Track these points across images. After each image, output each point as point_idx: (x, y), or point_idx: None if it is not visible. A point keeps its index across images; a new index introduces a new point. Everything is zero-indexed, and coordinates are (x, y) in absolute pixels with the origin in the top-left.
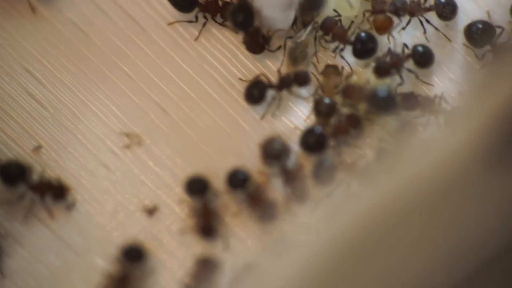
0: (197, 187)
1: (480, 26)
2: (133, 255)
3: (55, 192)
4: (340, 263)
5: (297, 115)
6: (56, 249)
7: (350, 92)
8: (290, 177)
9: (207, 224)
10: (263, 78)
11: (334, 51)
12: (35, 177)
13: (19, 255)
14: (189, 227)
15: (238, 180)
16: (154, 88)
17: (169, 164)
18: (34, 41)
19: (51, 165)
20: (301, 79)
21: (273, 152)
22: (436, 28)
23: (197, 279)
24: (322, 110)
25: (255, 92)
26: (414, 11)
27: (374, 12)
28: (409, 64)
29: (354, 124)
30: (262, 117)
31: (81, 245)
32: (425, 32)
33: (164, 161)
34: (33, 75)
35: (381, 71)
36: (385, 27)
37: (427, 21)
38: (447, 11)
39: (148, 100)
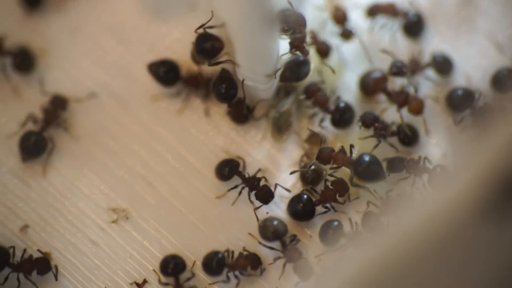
0: (171, 267)
1: (460, 92)
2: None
3: (39, 267)
4: None
5: (282, 183)
6: None
7: (323, 156)
8: (294, 254)
9: None
10: (238, 162)
11: (311, 117)
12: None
13: None
14: None
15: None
16: (139, 162)
17: (157, 237)
18: (19, 122)
19: (39, 244)
20: (261, 194)
21: (271, 232)
22: (433, 82)
23: None
24: (308, 177)
25: (225, 171)
26: (414, 69)
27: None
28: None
29: (341, 190)
30: (233, 203)
31: None
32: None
33: (152, 234)
34: (18, 156)
35: (367, 123)
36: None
37: (427, 78)
38: (445, 66)
39: (134, 175)
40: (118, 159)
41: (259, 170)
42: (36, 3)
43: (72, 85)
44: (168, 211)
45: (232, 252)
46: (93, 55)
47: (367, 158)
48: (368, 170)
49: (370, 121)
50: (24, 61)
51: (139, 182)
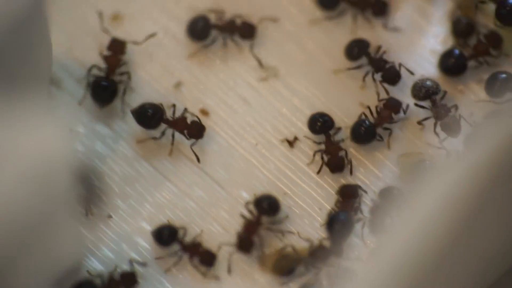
0: (319, 125)
1: None
2: (268, 207)
3: (192, 131)
4: (488, 189)
5: (432, 36)
6: (202, 183)
7: None
8: (442, 111)
9: (335, 159)
10: (368, 42)
11: None
12: (178, 113)
13: (168, 190)
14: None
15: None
16: (288, 19)
17: (307, 94)
18: None
19: (192, 101)
20: (388, 76)
21: (423, 92)
22: None
23: (341, 207)
24: (460, 31)
25: (354, 51)
26: None
27: None
28: None
29: (495, 42)
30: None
31: (225, 179)
32: None
33: (301, 91)
34: (170, 12)
35: None
36: None
37: None
38: None
39: (283, 32)
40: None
41: (384, 51)
42: None
43: None
44: (317, 68)
45: (376, 107)
46: None
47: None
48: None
49: None
50: None
51: (288, 39)
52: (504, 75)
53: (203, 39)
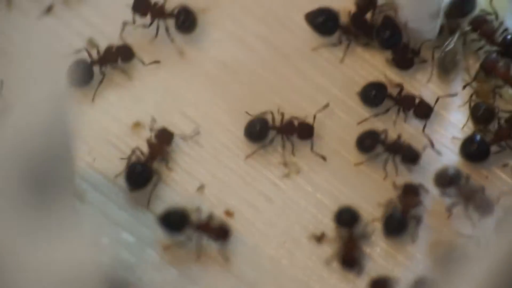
0: (347, 218)
1: None
2: None
3: (218, 233)
4: None
5: (452, 125)
6: (232, 286)
7: (487, 64)
8: (469, 195)
9: (348, 255)
10: (379, 133)
11: (477, 50)
12: (203, 216)
13: None
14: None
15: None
16: (304, 116)
17: (329, 189)
18: (186, 84)
19: (216, 203)
20: (407, 156)
21: (447, 180)
22: None
23: None
24: (479, 117)
25: (366, 142)
26: None
27: None
28: None
29: None
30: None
31: (254, 279)
32: None
33: (324, 186)
34: (190, 118)
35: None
36: None
37: None
38: None
39: None
40: (284, 112)
41: (399, 136)
42: None
43: (233, 44)
44: (339, 162)
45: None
46: (253, 10)
47: None
48: None
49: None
50: (186, 21)
51: None
52: None
53: (261, 140)
